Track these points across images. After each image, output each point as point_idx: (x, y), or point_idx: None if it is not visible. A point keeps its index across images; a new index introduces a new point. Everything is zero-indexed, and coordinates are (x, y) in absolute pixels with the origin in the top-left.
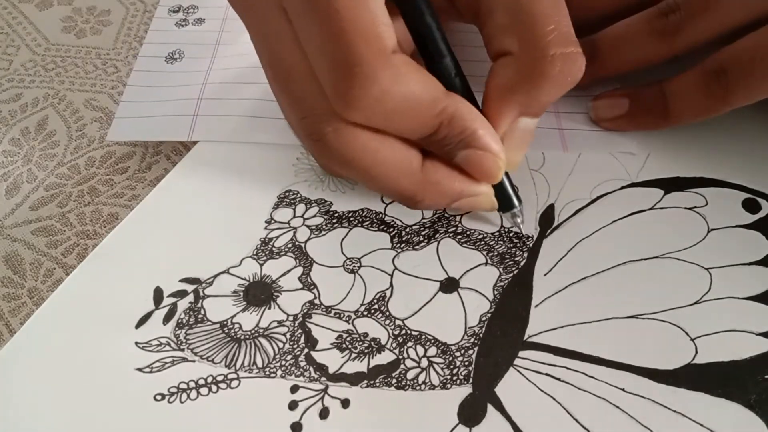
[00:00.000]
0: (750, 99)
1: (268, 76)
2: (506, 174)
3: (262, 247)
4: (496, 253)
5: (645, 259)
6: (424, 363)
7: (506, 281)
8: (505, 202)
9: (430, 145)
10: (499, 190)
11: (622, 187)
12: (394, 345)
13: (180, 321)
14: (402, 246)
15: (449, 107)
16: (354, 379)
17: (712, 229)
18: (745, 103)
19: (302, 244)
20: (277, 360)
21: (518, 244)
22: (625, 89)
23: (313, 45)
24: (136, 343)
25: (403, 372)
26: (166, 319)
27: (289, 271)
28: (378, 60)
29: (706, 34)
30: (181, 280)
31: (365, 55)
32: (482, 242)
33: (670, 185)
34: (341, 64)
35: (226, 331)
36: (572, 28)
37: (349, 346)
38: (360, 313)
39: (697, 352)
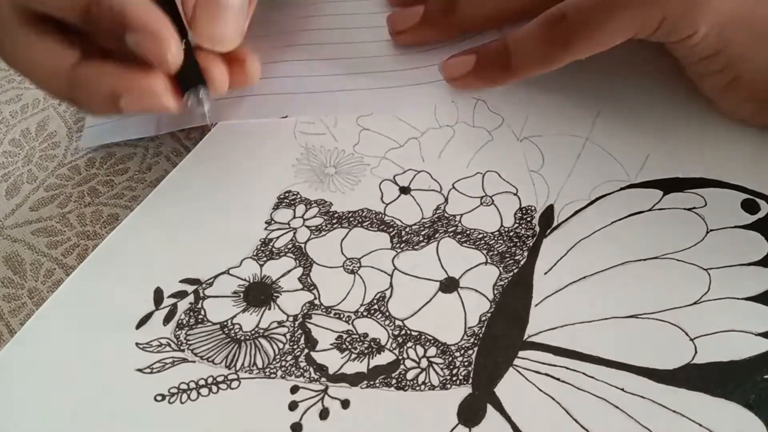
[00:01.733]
0: (589, 46)
1: None
2: (191, 50)
3: (262, 248)
4: (496, 252)
5: (644, 260)
6: (424, 363)
7: (506, 280)
8: (185, 78)
9: (98, 35)
10: (183, 74)
11: (622, 188)
12: (394, 345)
13: (180, 322)
14: (402, 246)
15: None
16: (354, 380)
17: (711, 230)
18: (585, 53)
19: (302, 245)
20: (277, 360)
21: (518, 243)
22: (473, 48)
23: None
24: (137, 343)
25: (403, 372)
26: (167, 319)
27: (289, 271)
28: None
29: None
30: (182, 281)
31: None
32: (482, 241)
33: (669, 186)
34: None
35: (227, 332)
36: None
37: (349, 347)
38: (360, 313)
39: (696, 352)
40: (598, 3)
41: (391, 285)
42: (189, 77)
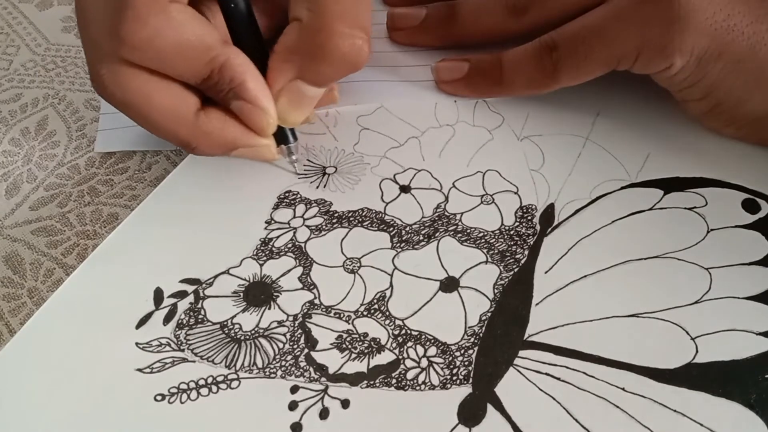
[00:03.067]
0: (576, 76)
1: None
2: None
3: (262, 248)
4: (496, 251)
5: (645, 259)
6: (424, 363)
7: (507, 279)
8: (280, 136)
9: (207, 91)
10: (278, 132)
11: (622, 188)
12: (394, 345)
13: (180, 321)
14: (402, 245)
15: (221, 56)
16: (354, 380)
17: (712, 229)
18: (572, 82)
19: (302, 244)
20: (277, 360)
21: (519, 242)
22: (468, 56)
23: None
24: (137, 343)
25: (403, 372)
26: (167, 319)
27: (289, 271)
28: (151, 5)
29: (549, 15)
30: (182, 281)
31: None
32: (483, 240)
33: (669, 185)
34: (118, 4)
35: (227, 332)
36: (368, 18)
37: (349, 347)
38: (360, 313)
39: (697, 352)
40: (585, 36)
41: (391, 284)
42: (278, 136)
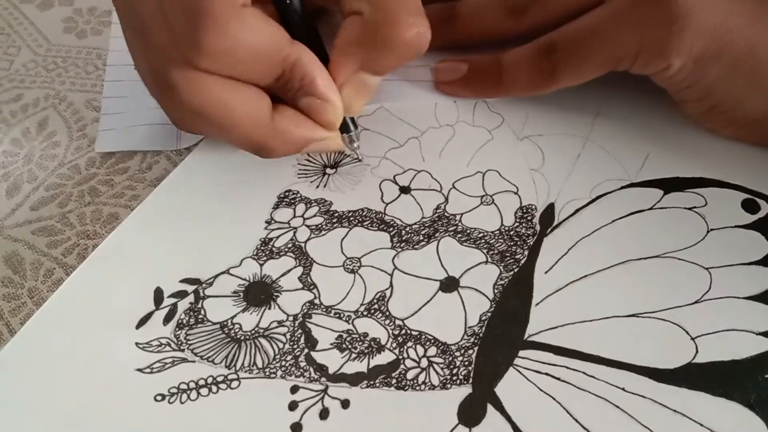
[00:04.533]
0: (575, 77)
1: (123, 26)
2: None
3: (262, 247)
4: (496, 251)
5: (645, 259)
6: (424, 363)
7: (507, 279)
8: (342, 126)
9: (277, 91)
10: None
11: (622, 187)
12: (394, 345)
13: (180, 321)
14: (402, 245)
15: (292, 55)
16: (354, 380)
17: (712, 229)
18: (571, 83)
19: (302, 244)
20: (277, 360)
21: (519, 242)
22: (467, 57)
23: None
24: (137, 343)
25: (403, 372)
26: (167, 319)
27: (289, 271)
28: (228, 11)
29: (549, 16)
30: (182, 281)
31: (216, 7)
32: (482, 240)
33: (669, 185)
34: (194, 14)
35: (227, 332)
36: (421, 5)
37: (349, 347)
38: (360, 313)
39: (697, 352)
40: (584, 37)
41: (391, 284)
42: (343, 125)
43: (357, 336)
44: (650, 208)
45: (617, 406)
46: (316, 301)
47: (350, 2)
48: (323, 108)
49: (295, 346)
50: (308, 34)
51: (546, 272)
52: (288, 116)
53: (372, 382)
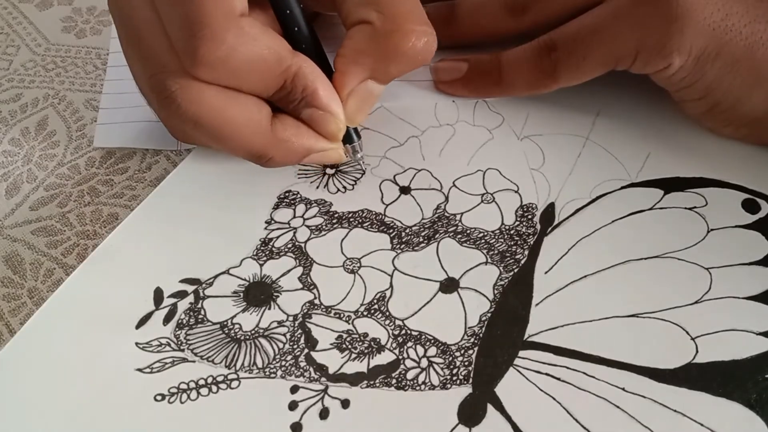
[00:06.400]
0: (575, 76)
1: (119, 35)
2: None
3: (262, 248)
4: (496, 252)
5: (645, 259)
6: (424, 363)
7: (506, 280)
8: (345, 137)
9: (278, 102)
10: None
11: (622, 187)
12: (394, 345)
13: (180, 321)
14: (402, 247)
15: (293, 66)
16: (354, 380)
17: (712, 229)
18: (571, 82)
19: (302, 245)
20: (277, 360)
21: (519, 242)
22: (467, 56)
23: (165, 3)
24: (137, 343)
25: (403, 372)
26: (167, 319)
27: (289, 271)
28: (225, 21)
29: (549, 14)
30: (182, 281)
31: (213, 17)
32: (482, 240)
33: (670, 185)
34: (191, 23)
35: (226, 332)
36: (425, 11)
37: (349, 347)
38: (360, 313)
39: (697, 352)
40: (583, 36)
41: (391, 285)
42: (346, 136)
43: (357, 336)
44: (650, 208)
45: (617, 406)
46: (316, 302)
47: (356, 11)
48: (325, 119)
49: (295, 346)
50: (311, 45)
51: (546, 272)
52: (288, 125)
53: (372, 382)
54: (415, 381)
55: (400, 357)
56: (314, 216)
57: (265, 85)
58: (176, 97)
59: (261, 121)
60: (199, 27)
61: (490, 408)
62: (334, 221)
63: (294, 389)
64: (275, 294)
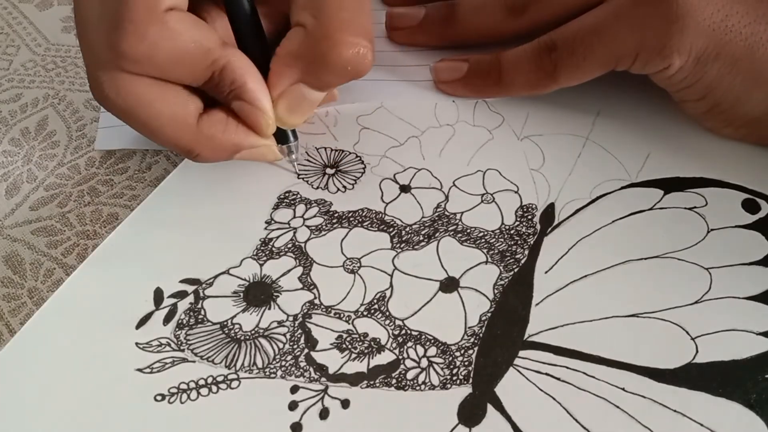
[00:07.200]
0: (575, 77)
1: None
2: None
3: (262, 248)
4: (496, 251)
5: (645, 259)
6: (424, 363)
7: (507, 280)
8: (280, 136)
9: (210, 92)
10: (278, 132)
11: (622, 187)
12: (394, 345)
13: (180, 321)
14: (402, 246)
15: (221, 59)
16: (354, 380)
17: (712, 229)
18: (571, 82)
19: (302, 245)
20: (277, 360)
21: (519, 242)
22: (467, 56)
23: None
24: (137, 343)
25: (403, 372)
26: (167, 319)
27: (289, 271)
28: (148, 16)
29: (549, 14)
30: (182, 281)
31: (136, 12)
32: (483, 240)
33: (669, 185)
34: (116, 18)
35: (226, 332)
36: (371, 26)
37: (349, 347)
38: (360, 313)
39: (697, 352)
40: (583, 36)
41: (391, 285)
42: (279, 136)
43: (357, 336)
44: (650, 208)
45: (617, 406)
46: (316, 301)
47: (297, 13)
48: (253, 113)
49: (295, 346)
50: (255, 42)
51: (546, 272)
52: (216, 121)
53: (372, 382)
54: (415, 381)
55: (400, 357)
56: (314, 216)
57: (190, 77)
58: (105, 89)
59: (187, 116)
60: (121, 22)
61: (490, 408)
62: (334, 221)
63: (294, 389)
64: (275, 294)
